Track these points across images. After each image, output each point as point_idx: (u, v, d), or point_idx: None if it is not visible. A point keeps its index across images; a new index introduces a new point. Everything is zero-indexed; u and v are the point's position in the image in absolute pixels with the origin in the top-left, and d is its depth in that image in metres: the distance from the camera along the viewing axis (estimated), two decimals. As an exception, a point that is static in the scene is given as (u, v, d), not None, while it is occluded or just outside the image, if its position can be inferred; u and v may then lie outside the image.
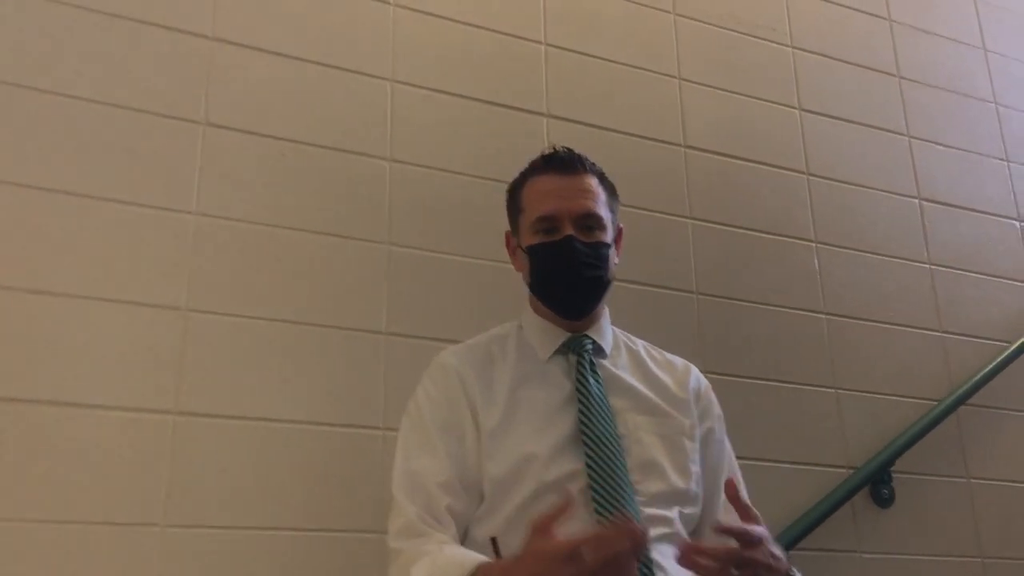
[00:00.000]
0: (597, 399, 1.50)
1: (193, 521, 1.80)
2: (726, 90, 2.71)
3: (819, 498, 2.33)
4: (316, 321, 2.03)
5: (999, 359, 2.72)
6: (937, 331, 2.73)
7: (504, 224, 1.67)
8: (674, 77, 2.65)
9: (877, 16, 3.08)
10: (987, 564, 2.52)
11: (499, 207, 1.69)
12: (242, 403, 1.91)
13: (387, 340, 2.08)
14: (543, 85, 2.45)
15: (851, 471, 2.42)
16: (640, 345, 1.68)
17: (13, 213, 1.84)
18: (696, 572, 1.18)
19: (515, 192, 1.64)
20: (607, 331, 1.63)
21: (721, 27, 2.78)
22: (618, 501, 1.38)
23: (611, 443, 1.45)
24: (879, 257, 2.74)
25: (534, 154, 1.63)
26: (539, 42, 2.50)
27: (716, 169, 2.61)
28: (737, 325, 2.45)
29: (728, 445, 1.63)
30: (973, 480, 2.59)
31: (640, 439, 1.49)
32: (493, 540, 1.30)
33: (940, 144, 3.00)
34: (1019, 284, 2.93)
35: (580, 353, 1.56)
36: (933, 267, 2.80)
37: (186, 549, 1.78)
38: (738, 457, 1.64)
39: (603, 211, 1.57)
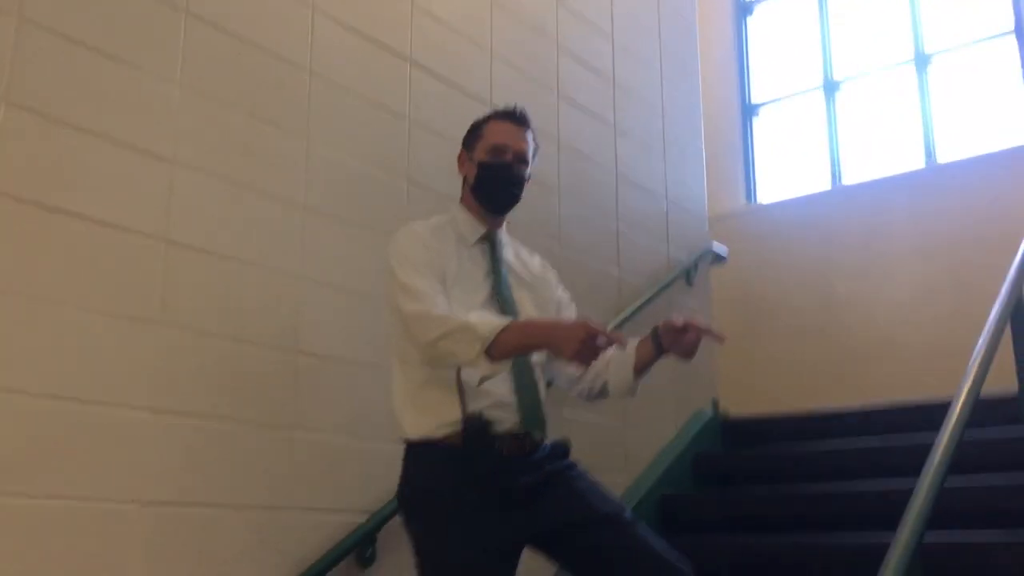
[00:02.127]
0: (503, 276, 2.27)
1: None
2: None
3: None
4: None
5: (651, 294, 4.04)
6: (616, 271, 3.97)
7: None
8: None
9: (545, 37, 4.21)
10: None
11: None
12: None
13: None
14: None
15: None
16: (517, 244, 2.42)
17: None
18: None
19: (479, 125, 2.32)
20: (505, 233, 2.36)
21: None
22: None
23: (510, 303, 2.23)
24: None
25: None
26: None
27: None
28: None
29: (572, 303, 2.44)
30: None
31: (524, 304, 2.30)
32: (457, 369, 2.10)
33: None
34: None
35: (493, 243, 2.29)
36: (619, 224, 4.03)
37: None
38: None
39: (529, 156, 2.33)
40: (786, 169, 7.16)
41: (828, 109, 6.97)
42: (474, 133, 2.34)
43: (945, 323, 5.85)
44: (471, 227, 2.31)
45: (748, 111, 7.39)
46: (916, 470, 3.17)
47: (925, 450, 3.32)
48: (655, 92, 4.48)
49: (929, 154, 6.44)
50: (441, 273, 2.18)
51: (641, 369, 2.25)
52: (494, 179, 2.28)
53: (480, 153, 2.28)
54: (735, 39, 7.51)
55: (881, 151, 6.69)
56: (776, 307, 6.49)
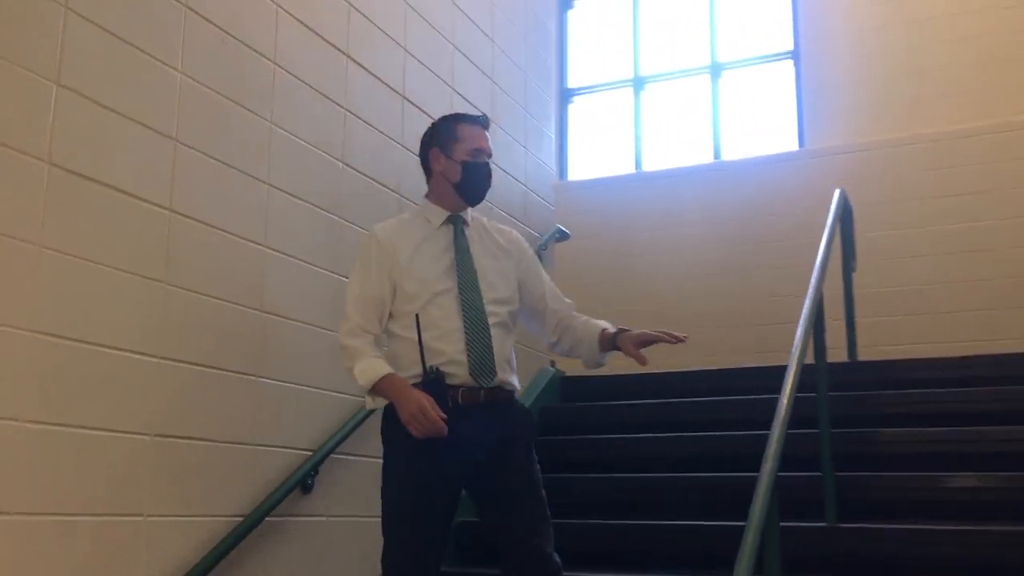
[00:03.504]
0: (463, 248, 2.65)
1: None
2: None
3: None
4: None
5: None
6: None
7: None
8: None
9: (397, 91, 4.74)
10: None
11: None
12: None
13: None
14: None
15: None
16: (484, 220, 2.81)
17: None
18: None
19: (452, 125, 2.71)
20: (469, 214, 2.75)
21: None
22: (474, 303, 2.58)
23: (471, 272, 2.62)
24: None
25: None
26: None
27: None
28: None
29: (541, 267, 2.85)
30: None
31: (486, 272, 2.64)
32: (416, 316, 2.56)
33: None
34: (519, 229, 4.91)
35: (456, 223, 2.70)
36: (492, 206, 4.61)
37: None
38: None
39: None
40: (593, 152, 7.99)
41: (635, 102, 7.84)
42: (448, 134, 2.72)
43: (725, 305, 6.87)
44: (437, 213, 2.73)
45: (565, 96, 8.13)
46: (723, 422, 4.09)
47: (726, 407, 4.24)
48: (520, 86, 5.08)
49: (716, 151, 7.45)
50: (396, 273, 2.59)
51: (605, 351, 2.73)
52: (478, 176, 2.71)
53: (461, 154, 2.68)
54: (557, 28, 8.18)
55: (677, 144, 7.64)
56: (585, 278, 7.30)
